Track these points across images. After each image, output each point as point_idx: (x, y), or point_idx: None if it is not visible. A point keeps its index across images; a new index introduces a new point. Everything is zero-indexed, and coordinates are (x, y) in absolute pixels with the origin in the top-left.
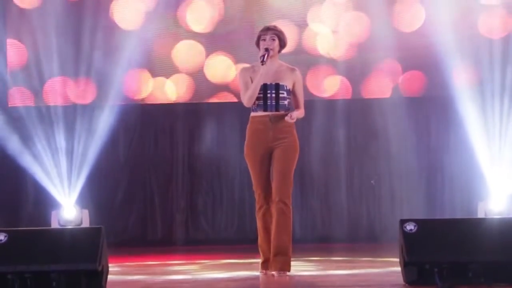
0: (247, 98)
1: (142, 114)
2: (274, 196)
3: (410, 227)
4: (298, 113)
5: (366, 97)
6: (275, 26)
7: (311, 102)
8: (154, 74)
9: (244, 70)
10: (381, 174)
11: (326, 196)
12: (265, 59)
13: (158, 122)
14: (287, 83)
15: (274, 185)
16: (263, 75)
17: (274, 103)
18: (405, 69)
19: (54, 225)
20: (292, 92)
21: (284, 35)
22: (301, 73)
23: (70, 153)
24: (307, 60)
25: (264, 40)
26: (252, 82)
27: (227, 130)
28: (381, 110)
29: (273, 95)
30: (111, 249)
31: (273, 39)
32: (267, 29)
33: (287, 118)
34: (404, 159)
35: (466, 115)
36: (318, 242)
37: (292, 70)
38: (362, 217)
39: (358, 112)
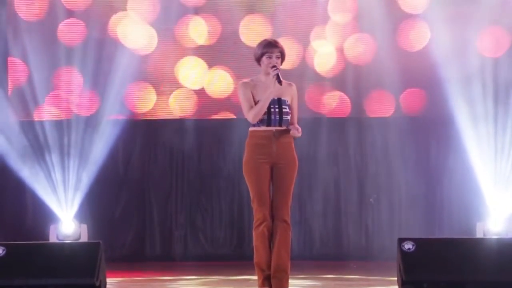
0: (253, 115)
1: (142, 129)
2: (275, 213)
3: (408, 246)
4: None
5: (366, 116)
6: (277, 43)
7: (311, 120)
8: (155, 89)
9: (244, 84)
10: (380, 192)
11: (324, 214)
12: (280, 79)
13: (158, 137)
14: (288, 98)
15: (275, 203)
16: (273, 93)
17: (278, 118)
18: (406, 88)
19: (53, 239)
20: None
21: (285, 52)
22: (297, 89)
23: (69, 167)
24: (308, 77)
25: (270, 57)
26: (253, 97)
27: (226, 147)
28: (381, 128)
29: (277, 109)
30: (109, 264)
31: (278, 57)
32: (273, 46)
33: (294, 131)
34: (403, 177)
35: (466, 135)
36: (316, 260)
37: (290, 85)
38: (361, 235)
39: (358, 130)
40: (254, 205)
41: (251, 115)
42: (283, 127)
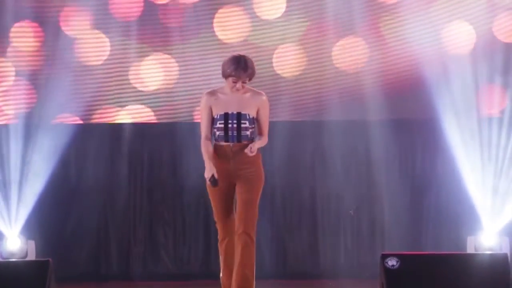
0: (202, 152)
1: (96, 134)
2: (238, 227)
3: (392, 262)
4: (260, 143)
5: (344, 118)
6: (246, 65)
7: (285, 124)
8: (113, 90)
9: (206, 95)
10: (360, 203)
11: (299, 227)
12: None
13: (114, 143)
14: (251, 112)
15: (237, 216)
16: (213, 169)
17: (235, 134)
18: (390, 89)
19: None
20: (256, 119)
21: (254, 71)
22: (268, 98)
23: (15, 177)
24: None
25: (236, 82)
26: (212, 109)
27: (190, 154)
28: (363, 132)
29: (235, 125)
30: (60, 284)
31: (245, 82)
32: (241, 70)
33: (246, 151)
34: (386, 187)
35: (455, 142)
36: (291, 279)
37: (258, 94)
38: (339, 251)
39: (335, 135)
40: (216, 222)
41: (202, 149)
42: (243, 143)
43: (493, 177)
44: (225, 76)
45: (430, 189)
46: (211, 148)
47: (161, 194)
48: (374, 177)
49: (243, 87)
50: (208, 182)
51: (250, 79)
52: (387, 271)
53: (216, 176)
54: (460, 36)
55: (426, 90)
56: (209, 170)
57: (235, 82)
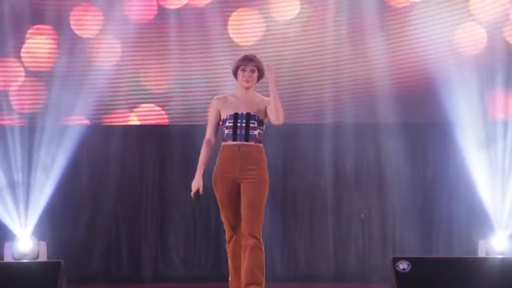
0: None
1: (107, 136)
2: (244, 231)
3: (403, 266)
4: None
5: (356, 121)
6: (255, 56)
7: (295, 127)
8: (123, 92)
9: (216, 100)
10: (371, 207)
11: (311, 231)
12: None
13: (126, 146)
14: (260, 114)
15: (243, 219)
16: (197, 181)
17: (243, 133)
18: (402, 92)
19: (8, 258)
20: (267, 108)
21: (263, 66)
22: None
23: (27, 179)
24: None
25: (244, 70)
26: (220, 114)
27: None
28: (373, 135)
29: (243, 124)
30: (71, 286)
31: (253, 71)
32: (248, 60)
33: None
34: (398, 190)
35: (467, 145)
36: (302, 282)
37: (267, 101)
38: (350, 255)
39: (347, 137)
40: (223, 220)
41: (203, 145)
42: (250, 143)
43: (505, 181)
44: (235, 71)
45: (441, 192)
46: (208, 155)
47: (173, 197)
48: (385, 181)
49: (252, 79)
50: (191, 194)
51: (259, 74)
52: (398, 274)
53: (201, 191)
54: (472, 38)
55: (437, 93)
56: (196, 184)
57: (243, 71)
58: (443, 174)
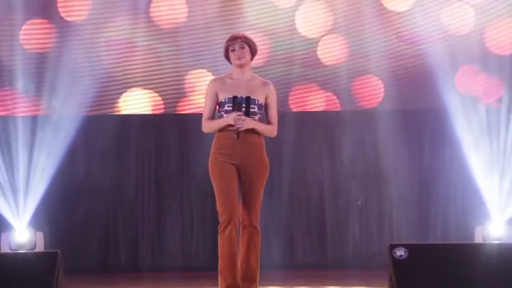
0: (206, 128)
1: (104, 126)
2: (242, 219)
3: (400, 252)
4: (264, 126)
5: (351, 109)
6: (241, 34)
7: (292, 115)
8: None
9: (213, 82)
10: (368, 194)
11: (308, 219)
12: (240, 135)
13: (122, 135)
14: (259, 97)
15: (242, 208)
16: (231, 117)
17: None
18: (396, 78)
19: (4, 249)
20: (264, 108)
21: (253, 42)
22: (275, 87)
23: (23, 168)
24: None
25: (234, 50)
26: (217, 96)
27: (198, 147)
28: (369, 123)
29: (243, 109)
30: (69, 276)
31: (243, 47)
32: (234, 38)
33: (239, 119)
34: (394, 177)
35: (463, 132)
36: (299, 269)
37: (265, 84)
38: (348, 242)
39: (342, 125)
40: (219, 208)
41: (205, 127)
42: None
43: (501, 167)
44: (226, 53)
45: (438, 179)
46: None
47: (169, 187)
48: (382, 168)
49: (244, 55)
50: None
51: (252, 51)
52: (395, 261)
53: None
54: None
55: (433, 80)
56: (230, 116)
57: (233, 51)
58: (439, 161)
